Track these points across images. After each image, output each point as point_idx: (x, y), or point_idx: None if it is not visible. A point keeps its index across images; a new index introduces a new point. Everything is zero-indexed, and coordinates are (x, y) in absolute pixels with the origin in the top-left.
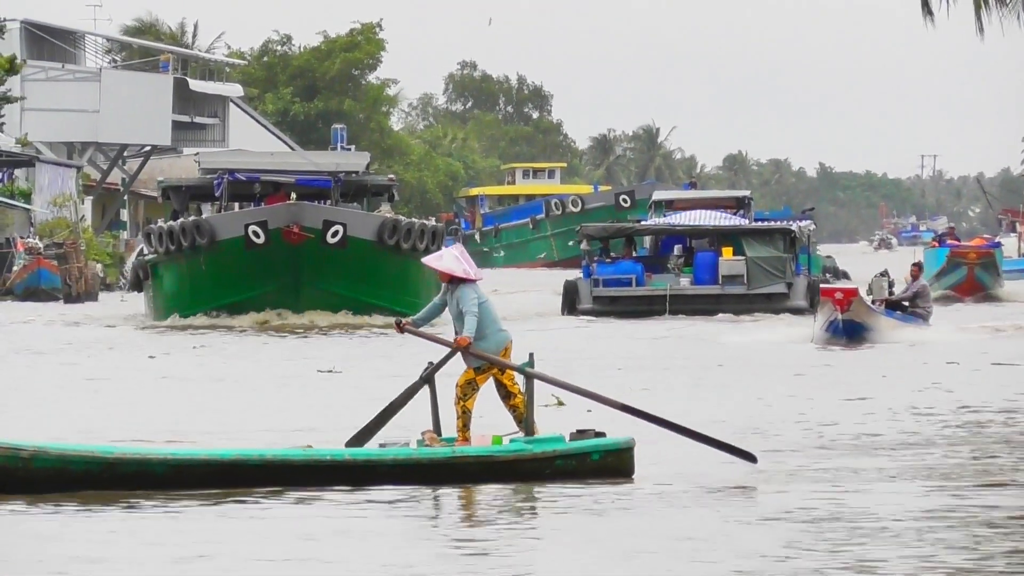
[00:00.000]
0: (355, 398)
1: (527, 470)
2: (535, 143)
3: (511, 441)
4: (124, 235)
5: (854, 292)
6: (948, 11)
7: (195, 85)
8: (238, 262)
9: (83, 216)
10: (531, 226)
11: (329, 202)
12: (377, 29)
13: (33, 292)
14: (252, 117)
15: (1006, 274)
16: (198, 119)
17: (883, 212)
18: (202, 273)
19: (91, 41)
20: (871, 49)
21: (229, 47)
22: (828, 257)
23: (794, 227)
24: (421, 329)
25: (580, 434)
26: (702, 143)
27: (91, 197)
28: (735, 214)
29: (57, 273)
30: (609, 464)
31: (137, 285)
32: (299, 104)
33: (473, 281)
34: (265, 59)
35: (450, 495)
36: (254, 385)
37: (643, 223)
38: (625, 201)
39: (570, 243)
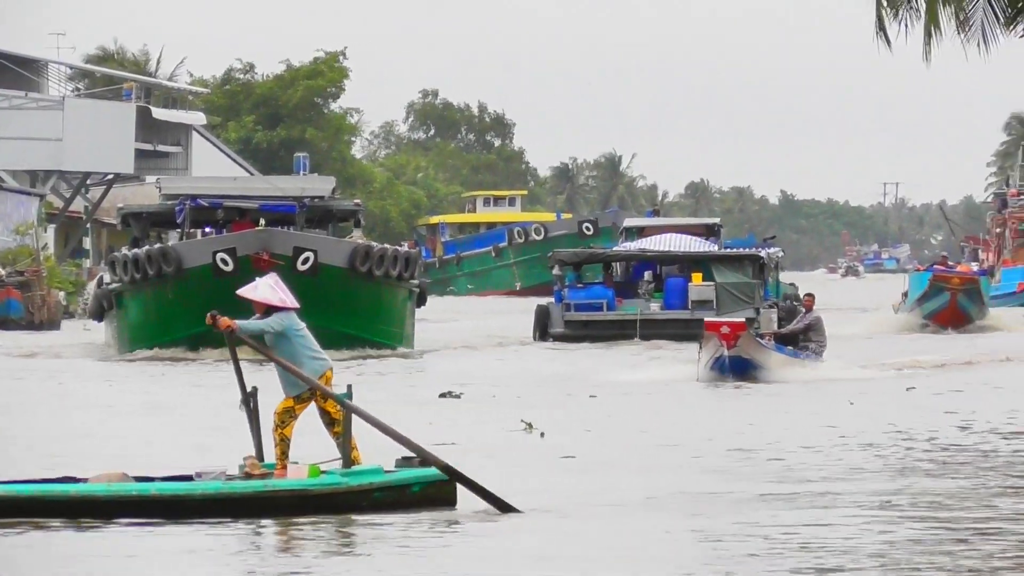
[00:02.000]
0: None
1: (344, 503)
2: (497, 171)
3: (328, 472)
4: (87, 263)
5: (742, 326)
6: (907, 36)
7: (158, 113)
8: (206, 290)
9: (45, 244)
10: (494, 254)
11: (294, 228)
12: (341, 58)
13: (2, 322)
14: (215, 145)
15: (998, 299)
16: (161, 147)
17: (845, 240)
18: (169, 302)
19: (54, 69)
20: (833, 76)
21: (192, 75)
22: (791, 284)
23: (762, 254)
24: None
25: (405, 462)
26: (664, 171)
27: (54, 225)
28: (704, 241)
29: (22, 301)
30: (431, 495)
31: (99, 314)
32: (262, 132)
33: (290, 310)
34: (228, 87)
35: (266, 528)
36: (196, 413)
37: (614, 249)
38: (588, 229)
39: (534, 270)
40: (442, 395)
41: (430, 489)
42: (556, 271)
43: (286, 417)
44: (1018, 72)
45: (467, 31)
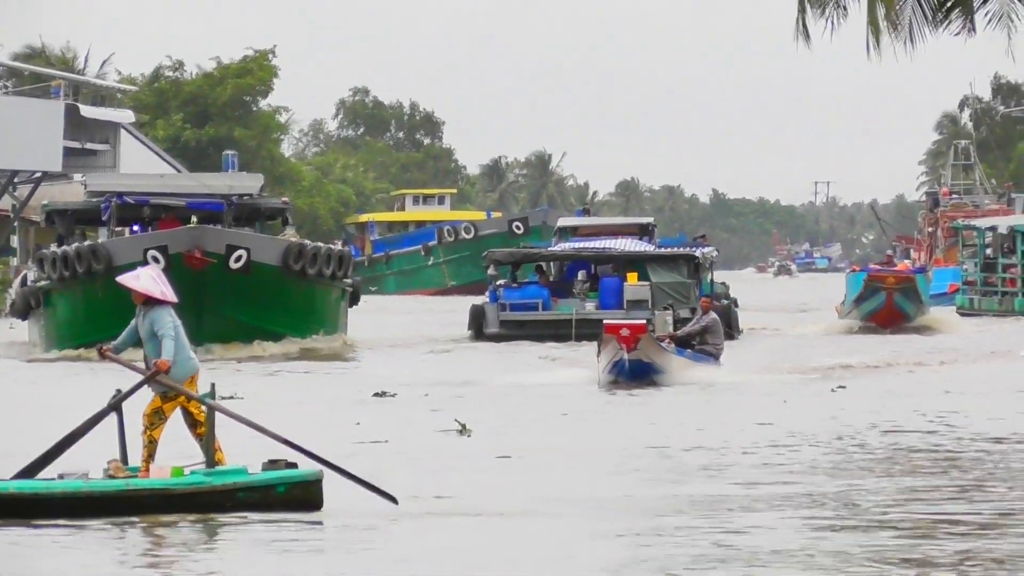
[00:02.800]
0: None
1: (207, 503)
2: (426, 169)
3: (191, 473)
4: (14, 262)
5: (642, 328)
6: (832, 35)
7: (86, 111)
8: None
9: None
10: (423, 253)
11: (221, 226)
12: (271, 56)
13: None
14: (143, 143)
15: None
16: (89, 145)
17: (776, 239)
18: (99, 300)
19: None
20: (764, 76)
21: (120, 72)
22: (722, 283)
23: (697, 253)
24: (120, 356)
25: (271, 464)
26: (594, 169)
27: None
28: (639, 240)
29: None
30: (296, 496)
31: (24, 312)
32: (191, 131)
33: (169, 304)
34: (157, 85)
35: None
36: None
37: (549, 249)
38: (518, 228)
39: (464, 269)
40: (376, 395)
41: (296, 490)
42: (491, 271)
43: (155, 419)
44: (948, 71)
45: (398, 29)
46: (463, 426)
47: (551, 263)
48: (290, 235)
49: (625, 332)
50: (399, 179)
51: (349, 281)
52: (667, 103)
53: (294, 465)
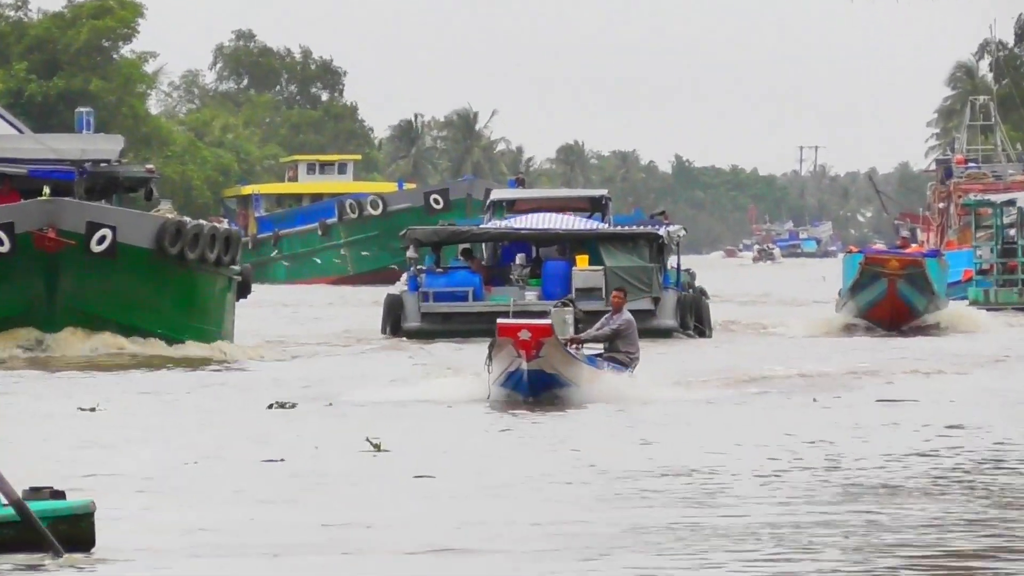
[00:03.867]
0: (115, 440)
1: None
2: (324, 130)
3: None
4: None
5: (546, 330)
6: None
7: None
8: None
9: None
10: (320, 232)
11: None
12: None
13: None
14: None
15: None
16: None
17: (752, 216)
18: None
19: None
20: (739, 23)
21: None
22: (687, 271)
23: (662, 232)
24: None
25: (34, 493)
26: (530, 131)
27: None
28: (589, 217)
29: None
30: (61, 533)
31: None
32: (36, 83)
33: None
34: None
35: None
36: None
37: (481, 227)
38: (437, 202)
39: (364, 253)
40: (271, 406)
41: (61, 525)
42: (411, 252)
43: None
44: (963, 11)
45: None
46: (376, 445)
47: (483, 244)
48: (165, 211)
49: (525, 335)
50: (291, 142)
51: (237, 268)
52: (619, 53)
53: (61, 495)
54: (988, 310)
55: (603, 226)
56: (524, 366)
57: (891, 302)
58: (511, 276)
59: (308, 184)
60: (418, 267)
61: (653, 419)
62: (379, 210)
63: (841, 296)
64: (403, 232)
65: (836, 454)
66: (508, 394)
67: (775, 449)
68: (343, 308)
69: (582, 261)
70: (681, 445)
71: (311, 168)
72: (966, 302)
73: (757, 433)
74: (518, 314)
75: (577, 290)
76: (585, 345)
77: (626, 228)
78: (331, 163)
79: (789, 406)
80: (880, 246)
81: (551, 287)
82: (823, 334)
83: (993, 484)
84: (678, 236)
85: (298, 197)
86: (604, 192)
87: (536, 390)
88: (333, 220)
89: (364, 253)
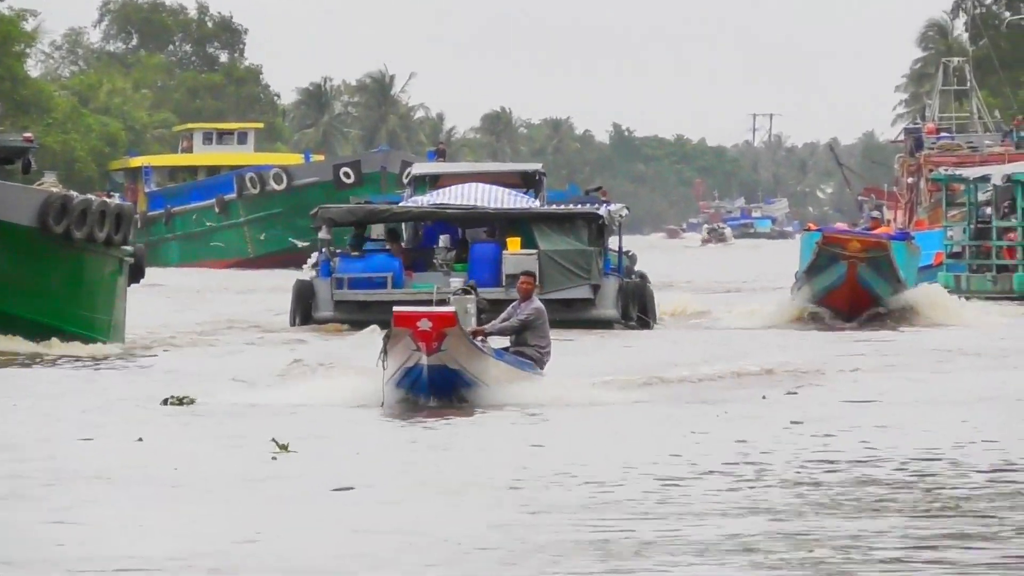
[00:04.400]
0: None
1: None
2: (223, 95)
3: None
4: None
5: (450, 319)
6: None
7: None
8: None
9: None
10: (217, 210)
11: None
12: None
13: None
14: None
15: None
16: None
17: (700, 192)
18: None
19: None
20: None
21: None
22: (627, 253)
23: (602, 211)
24: None
25: None
26: (452, 97)
27: None
28: (522, 194)
29: None
30: None
31: None
32: None
33: None
34: None
35: None
36: None
37: (402, 204)
38: (347, 176)
39: (262, 236)
40: (166, 401)
41: None
42: (323, 233)
43: None
44: None
45: None
46: (282, 446)
47: (402, 224)
48: (49, 184)
49: (425, 324)
50: (185, 109)
51: (129, 249)
52: (551, 10)
53: None
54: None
55: (537, 204)
56: (424, 361)
57: (850, 288)
58: (435, 260)
59: (204, 155)
60: (331, 250)
61: (572, 424)
62: (283, 185)
63: (797, 279)
64: (313, 211)
65: (777, 460)
66: (405, 394)
67: (700, 455)
68: (246, 294)
69: (513, 244)
70: (610, 452)
71: (208, 137)
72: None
73: (691, 437)
74: (418, 301)
75: (508, 276)
76: (489, 339)
77: (563, 207)
78: (230, 132)
79: (728, 407)
80: (842, 226)
81: (479, 272)
82: (776, 323)
83: (953, 494)
84: (620, 216)
85: (193, 170)
86: (538, 166)
87: (438, 389)
88: (232, 196)
89: (266, 233)
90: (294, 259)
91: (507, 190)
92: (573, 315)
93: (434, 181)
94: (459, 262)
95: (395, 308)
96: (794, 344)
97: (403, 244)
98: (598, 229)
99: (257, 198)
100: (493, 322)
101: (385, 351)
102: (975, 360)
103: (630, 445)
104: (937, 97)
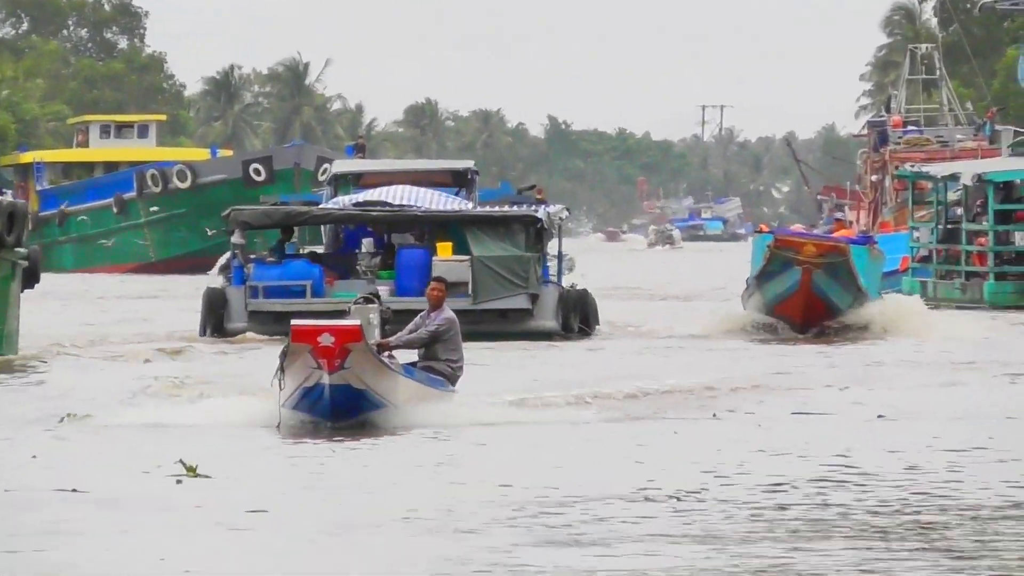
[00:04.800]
0: None
1: None
2: (123, 85)
3: None
4: None
5: (354, 333)
6: None
7: None
8: None
9: None
10: (116, 210)
11: None
12: None
13: None
14: None
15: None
16: None
17: (643, 191)
18: None
19: None
20: None
21: None
22: (566, 257)
23: (541, 213)
24: None
25: None
26: (372, 87)
27: None
28: (452, 195)
29: None
30: None
31: None
32: None
33: None
34: None
35: None
36: None
37: (323, 207)
38: (258, 172)
39: (169, 234)
40: (64, 419)
41: None
42: (236, 238)
43: None
44: None
45: None
46: (189, 467)
47: (323, 228)
48: None
49: (326, 339)
50: (81, 99)
51: (23, 251)
52: None
53: None
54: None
55: (469, 206)
56: (326, 380)
57: (804, 297)
58: (358, 267)
59: (102, 150)
60: (245, 255)
61: (488, 444)
62: (188, 182)
63: (748, 285)
64: (225, 212)
65: (718, 483)
66: (304, 417)
67: (633, 477)
68: (150, 302)
69: (444, 249)
70: (529, 475)
71: (105, 130)
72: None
73: (626, 459)
74: (320, 313)
75: None
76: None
77: (499, 210)
78: (130, 125)
79: (662, 425)
80: (799, 228)
81: (407, 280)
82: (725, 334)
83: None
84: (559, 219)
85: (89, 166)
86: (470, 164)
87: (341, 411)
88: (131, 195)
89: (169, 235)
90: (200, 263)
91: (436, 191)
92: (509, 327)
93: (356, 180)
94: (385, 269)
95: (293, 322)
96: (740, 357)
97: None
98: (536, 233)
99: (159, 197)
100: (400, 333)
101: (282, 369)
102: (936, 374)
103: (549, 467)
104: (904, 87)
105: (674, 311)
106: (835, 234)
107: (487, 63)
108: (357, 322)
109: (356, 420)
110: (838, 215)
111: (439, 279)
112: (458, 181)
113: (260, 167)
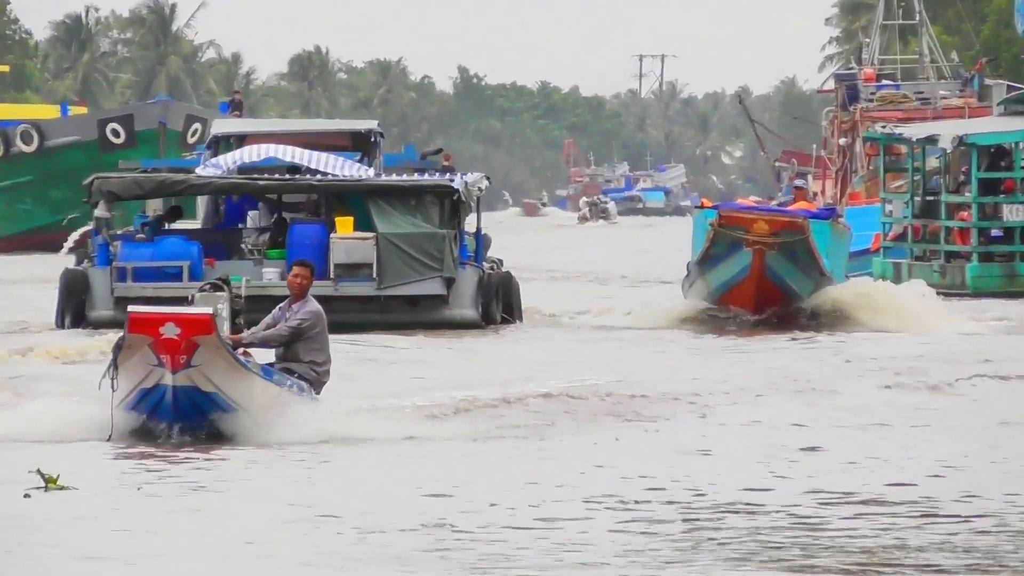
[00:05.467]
0: None
1: None
2: None
3: None
4: None
5: (205, 323)
6: None
7: None
8: None
9: None
10: None
11: None
12: None
13: None
14: None
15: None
16: None
17: (571, 155)
18: None
19: None
20: None
21: None
22: (484, 236)
23: (457, 183)
24: None
25: None
26: (250, 33)
27: None
28: (352, 160)
29: None
30: None
31: None
32: None
33: None
34: None
35: None
36: None
37: (202, 174)
38: (116, 134)
39: (12, 207)
40: None
41: None
42: (100, 211)
43: None
44: None
45: None
46: (48, 479)
47: (197, 198)
48: None
49: (170, 331)
50: None
51: None
52: None
53: None
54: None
55: (370, 173)
56: (169, 380)
57: (756, 283)
58: (243, 245)
59: None
60: (109, 232)
61: (355, 460)
62: (33, 145)
63: (688, 271)
64: (88, 180)
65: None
66: (142, 421)
67: (531, 502)
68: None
69: (344, 225)
70: (408, 496)
71: None
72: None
73: (518, 479)
74: (259, 299)
75: (338, 266)
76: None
77: (408, 179)
78: None
79: (572, 441)
80: (752, 201)
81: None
82: (663, 325)
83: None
84: (479, 189)
85: None
86: (373, 125)
87: (185, 416)
88: None
89: (12, 208)
90: (48, 241)
91: (335, 155)
92: (420, 316)
93: (240, 142)
94: (274, 247)
95: (130, 309)
96: (678, 353)
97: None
98: (452, 206)
99: (2, 162)
100: (254, 329)
101: (115, 365)
102: (896, 375)
103: (432, 488)
104: (877, 34)
105: (609, 298)
106: (793, 206)
107: (386, 4)
108: (208, 310)
109: (203, 427)
110: (798, 182)
111: (302, 263)
112: (359, 145)
113: (119, 127)
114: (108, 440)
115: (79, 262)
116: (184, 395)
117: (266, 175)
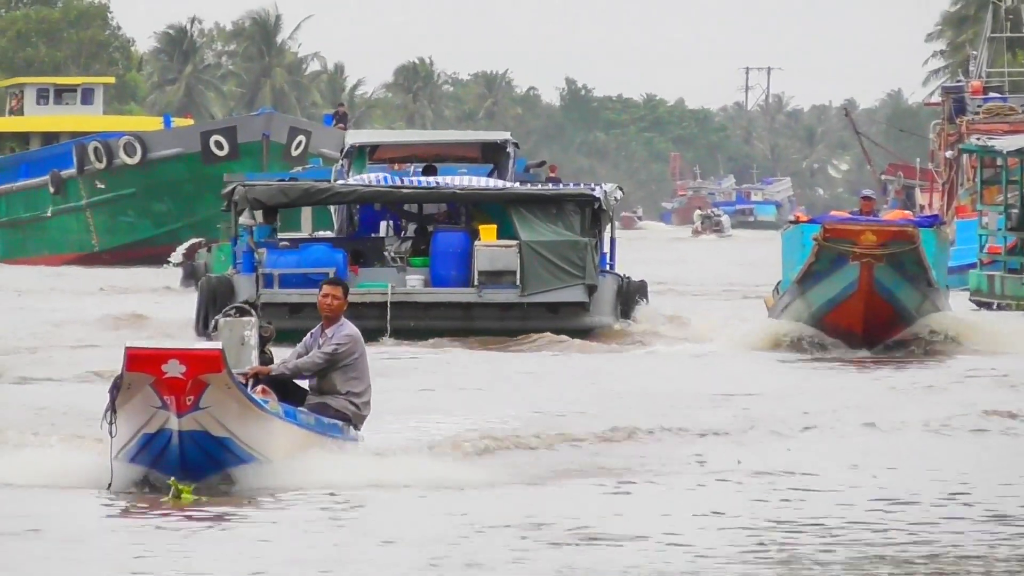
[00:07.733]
0: None
1: None
2: (60, 41)
3: None
4: None
5: (212, 360)
6: None
7: None
8: None
9: None
10: (52, 189)
11: None
12: None
13: None
14: None
15: (951, 273)
16: None
17: (677, 168)
18: None
19: None
20: None
21: None
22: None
23: (597, 192)
24: None
25: None
26: (355, 45)
27: None
28: (491, 173)
29: None
30: None
31: None
32: None
33: None
34: None
35: None
36: None
37: (345, 183)
38: (220, 146)
39: (116, 219)
40: None
41: None
42: (245, 218)
43: None
44: None
45: None
46: (181, 489)
47: (333, 208)
48: None
49: (174, 368)
50: (13, 59)
51: None
52: None
53: None
54: (991, 307)
55: (512, 185)
56: (174, 424)
57: (865, 299)
58: (386, 252)
59: (38, 119)
60: (254, 240)
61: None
62: (136, 157)
63: (779, 293)
64: (228, 188)
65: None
66: (145, 472)
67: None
68: (107, 297)
69: (488, 233)
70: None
71: (43, 95)
72: (968, 293)
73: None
74: (404, 306)
75: (482, 274)
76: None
77: (550, 189)
78: (71, 88)
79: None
80: (840, 214)
81: (443, 268)
82: (756, 350)
83: None
84: (614, 199)
85: (23, 138)
86: (506, 136)
87: (194, 465)
88: (71, 172)
89: (115, 220)
90: (152, 253)
91: (473, 175)
92: (562, 323)
93: (372, 152)
94: (417, 255)
95: (128, 344)
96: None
97: (342, 231)
98: (593, 215)
99: (103, 174)
100: (287, 359)
101: (113, 408)
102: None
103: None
104: (984, 47)
105: (726, 312)
106: (890, 215)
107: (492, 16)
108: (217, 346)
109: (214, 477)
110: (866, 192)
111: (335, 282)
112: (491, 156)
113: (222, 139)
114: (108, 488)
115: (188, 274)
116: (192, 441)
117: (408, 186)
